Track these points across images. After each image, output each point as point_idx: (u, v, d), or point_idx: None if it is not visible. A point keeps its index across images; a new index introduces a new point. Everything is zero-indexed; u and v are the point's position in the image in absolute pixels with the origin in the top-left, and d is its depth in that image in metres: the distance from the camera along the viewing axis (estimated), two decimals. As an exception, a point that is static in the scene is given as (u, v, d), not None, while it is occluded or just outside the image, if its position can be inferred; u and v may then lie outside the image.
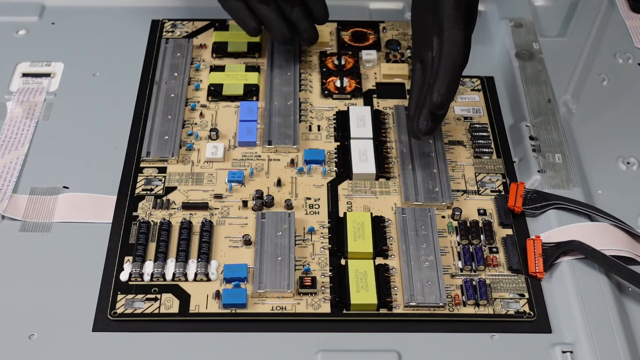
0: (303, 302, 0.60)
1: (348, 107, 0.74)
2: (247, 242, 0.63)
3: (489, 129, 0.72)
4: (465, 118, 0.74)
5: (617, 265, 0.61)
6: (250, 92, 0.75)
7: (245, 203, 0.66)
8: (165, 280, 0.61)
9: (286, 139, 0.70)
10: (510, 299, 0.61)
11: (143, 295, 0.60)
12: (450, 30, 0.64)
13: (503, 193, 0.67)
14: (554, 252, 0.62)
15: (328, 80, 0.76)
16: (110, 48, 0.80)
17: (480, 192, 0.68)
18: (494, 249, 0.64)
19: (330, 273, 0.62)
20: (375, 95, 0.75)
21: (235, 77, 0.75)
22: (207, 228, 0.64)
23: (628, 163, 0.71)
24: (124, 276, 0.61)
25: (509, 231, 0.65)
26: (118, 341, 0.58)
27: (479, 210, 0.66)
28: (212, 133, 0.71)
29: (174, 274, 0.61)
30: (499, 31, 0.82)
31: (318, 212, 0.66)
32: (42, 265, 0.62)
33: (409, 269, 0.61)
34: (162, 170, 0.68)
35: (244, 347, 0.58)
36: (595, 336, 0.58)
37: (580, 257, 0.62)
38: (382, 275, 0.62)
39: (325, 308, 0.60)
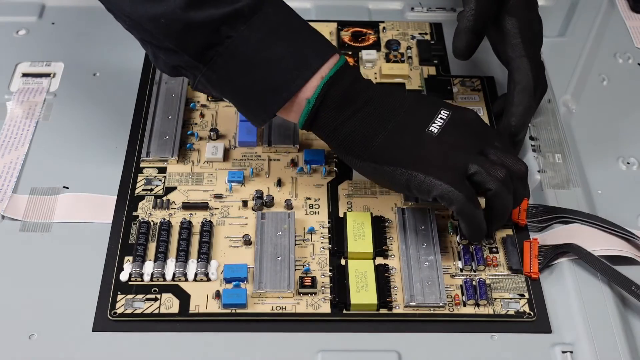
0: (303, 302, 0.60)
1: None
2: (247, 242, 0.63)
3: (489, 129, 0.72)
4: (465, 118, 0.74)
5: (610, 271, 0.60)
6: (250, 92, 0.75)
7: (245, 203, 0.66)
8: (165, 280, 0.61)
9: (286, 139, 0.70)
10: (510, 299, 0.61)
11: (143, 295, 0.60)
12: (517, 58, 0.67)
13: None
14: (550, 254, 0.62)
15: (328, 80, 0.76)
16: (110, 48, 0.80)
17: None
18: (494, 249, 0.64)
19: (330, 273, 0.62)
20: (375, 95, 0.75)
21: (235, 77, 0.76)
22: (207, 228, 0.64)
23: (628, 163, 0.71)
24: (124, 276, 0.61)
25: (509, 231, 0.65)
26: (118, 341, 0.58)
27: (479, 210, 0.66)
28: (212, 133, 0.71)
29: (174, 274, 0.61)
30: (499, 31, 0.82)
31: (318, 212, 0.66)
32: (42, 265, 0.62)
33: (409, 269, 0.61)
34: (162, 170, 0.69)
35: (244, 347, 0.58)
36: (595, 336, 0.58)
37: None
38: (382, 275, 0.62)
39: (325, 308, 0.60)
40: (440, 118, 0.61)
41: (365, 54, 0.79)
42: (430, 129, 0.60)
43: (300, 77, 0.59)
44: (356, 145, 0.60)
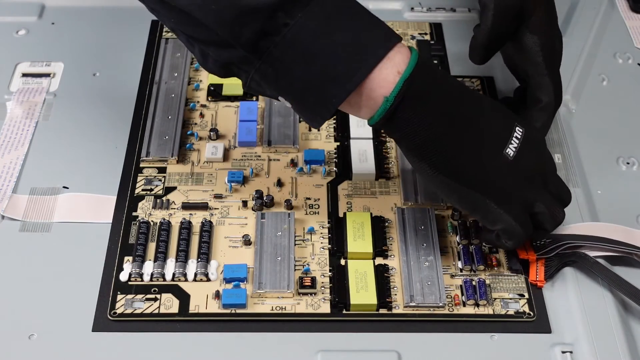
0: (303, 302, 0.60)
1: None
2: (247, 242, 0.63)
3: (489, 129, 0.72)
4: (465, 118, 0.74)
5: (620, 281, 0.60)
6: (250, 92, 0.75)
7: (245, 203, 0.66)
8: (165, 280, 0.61)
9: (286, 139, 0.70)
10: (510, 299, 0.61)
11: (143, 295, 0.60)
12: (539, 76, 0.67)
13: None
14: (557, 263, 0.62)
15: (328, 80, 0.76)
16: (110, 48, 0.80)
17: (480, 192, 0.68)
18: (494, 249, 0.64)
19: (330, 273, 0.62)
20: (375, 95, 0.75)
21: (235, 77, 0.75)
22: (207, 228, 0.64)
23: (628, 163, 0.71)
24: (123, 276, 0.61)
25: (509, 231, 0.65)
26: (118, 341, 0.58)
27: (478, 210, 0.66)
28: (212, 133, 0.71)
29: (173, 274, 0.61)
30: (499, 31, 0.82)
31: (318, 212, 0.66)
32: (42, 265, 0.62)
33: (409, 269, 0.61)
34: (162, 170, 0.69)
35: (244, 347, 0.58)
36: (595, 336, 0.58)
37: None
38: (382, 276, 0.62)
39: (325, 308, 0.60)
40: (516, 138, 0.59)
41: (365, 54, 0.79)
42: (507, 151, 0.58)
43: (365, 66, 0.54)
44: (434, 155, 0.57)
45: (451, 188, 0.58)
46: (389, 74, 0.55)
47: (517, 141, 0.59)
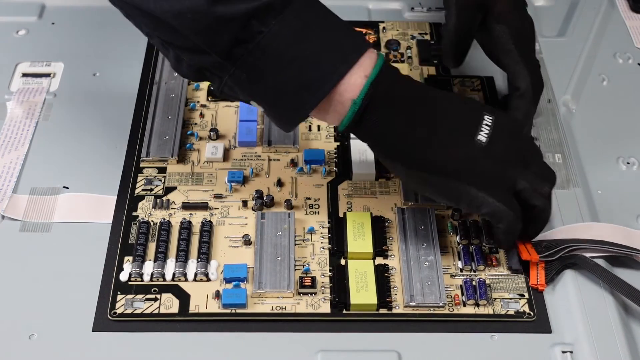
0: (303, 302, 0.60)
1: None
2: (247, 242, 0.63)
3: (489, 129, 0.72)
4: (465, 118, 0.74)
5: (619, 282, 0.60)
6: (250, 92, 0.74)
7: (245, 203, 0.66)
8: (165, 280, 0.61)
9: (286, 139, 0.70)
10: (510, 299, 0.61)
11: (143, 295, 0.60)
12: (513, 64, 0.67)
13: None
14: (556, 266, 0.62)
15: (328, 80, 0.76)
16: (110, 48, 0.80)
17: (480, 192, 0.67)
18: (494, 249, 0.64)
19: (330, 273, 0.62)
20: (375, 95, 0.75)
21: (235, 77, 0.75)
22: (207, 228, 0.64)
23: (628, 163, 0.71)
24: (123, 276, 0.61)
25: (509, 231, 0.65)
26: (118, 341, 0.58)
27: (478, 210, 0.66)
28: (212, 133, 0.71)
29: (173, 274, 0.61)
30: (499, 31, 0.82)
31: (318, 212, 0.66)
32: (42, 265, 0.62)
33: (409, 269, 0.61)
34: (162, 170, 0.69)
35: (244, 347, 0.58)
36: (595, 336, 0.58)
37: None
38: (382, 275, 0.62)
39: (325, 308, 0.60)
40: (486, 125, 0.59)
41: (365, 54, 0.79)
42: (478, 138, 0.58)
43: (337, 73, 0.55)
44: (405, 151, 0.58)
45: (430, 182, 0.59)
46: (357, 78, 0.56)
47: (488, 128, 0.59)
